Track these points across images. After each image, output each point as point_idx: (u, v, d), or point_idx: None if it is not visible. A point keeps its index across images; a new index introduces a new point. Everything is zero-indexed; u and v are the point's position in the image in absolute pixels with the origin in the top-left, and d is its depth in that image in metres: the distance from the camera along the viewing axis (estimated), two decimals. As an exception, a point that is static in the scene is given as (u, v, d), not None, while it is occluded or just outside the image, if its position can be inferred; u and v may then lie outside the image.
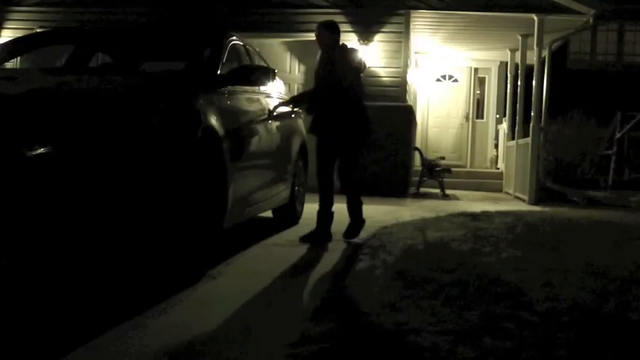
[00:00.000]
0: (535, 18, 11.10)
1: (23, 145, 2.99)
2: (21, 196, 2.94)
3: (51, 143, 3.02)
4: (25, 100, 3.29)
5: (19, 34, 10.64)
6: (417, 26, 11.95)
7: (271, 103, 5.59)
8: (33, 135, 3.04)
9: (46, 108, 3.23)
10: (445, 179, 12.17)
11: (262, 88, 5.31)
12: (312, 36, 11.14)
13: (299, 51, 12.32)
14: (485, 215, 7.79)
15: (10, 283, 3.36)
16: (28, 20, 11.98)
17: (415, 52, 13.53)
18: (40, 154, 2.98)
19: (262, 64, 5.78)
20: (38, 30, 10.66)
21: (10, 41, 5.69)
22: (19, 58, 7.01)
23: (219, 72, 4.57)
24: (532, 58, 11.80)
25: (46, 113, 3.18)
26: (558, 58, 14.84)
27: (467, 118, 15.92)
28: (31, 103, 3.26)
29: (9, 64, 5.41)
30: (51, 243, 3.03)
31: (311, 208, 7.02)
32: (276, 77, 5.29)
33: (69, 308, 3.21)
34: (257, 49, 6.15)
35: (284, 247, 5.22)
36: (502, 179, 13.80)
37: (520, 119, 12.61)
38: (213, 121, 4.03)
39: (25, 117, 3.14)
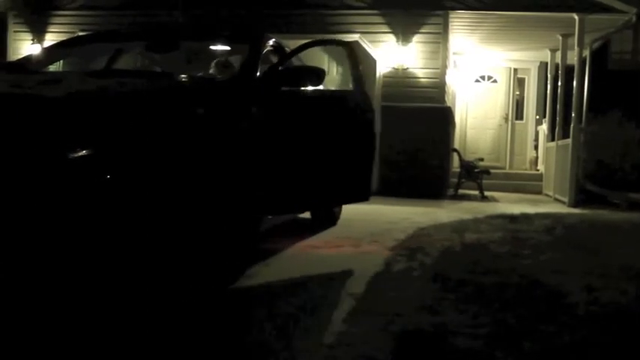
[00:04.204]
0: (576, 17, 10.94)
1: (65, 148, 3.04)
2: (63, 199, 2.99)
3: (92, 146, 3.07)
4: (67, 103, 3.35)
5: (61, 37, 10.84)
6: (455, 27, 11.88)
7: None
8: (74, 138, 3.09)
9: (87, 111, 3.28)
10: (483, 181, 12.08)
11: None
12: (350, 37, 11.29)
13: (336, 52, 12.32)
14: (524, 217, 7.72)
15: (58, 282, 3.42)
16: (69, 24, 12.16)
17: (453, 53, 13.45)
18: (82, 156, 3.03)
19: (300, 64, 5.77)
20: (80, 33, 10.83)
21: (53, 45, 5.80)
22: (61, 61, 7.13)
23: (257, 74, 4.58)
24: (572, 58, 11.65)
25: (87, 116, 3.23)
26: (599, 57, 14.61)
27: (506, 118, 15.78)
28: (73, 106, 3.31)
29: (52, 67, 5.51)
30: (91, 245, 3.08)
31: (348, 209, 7.04)
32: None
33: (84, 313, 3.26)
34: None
35: (321, 248, 5.23)
36: (541, 181, 13.65)
37: (560, 120, 12.46)
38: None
39: (67, 120, 3.19)
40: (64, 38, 9.34)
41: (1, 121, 3.14)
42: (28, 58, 5.63)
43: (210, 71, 5.23)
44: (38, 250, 3.06)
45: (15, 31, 12.60)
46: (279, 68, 4.69)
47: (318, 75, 4.71)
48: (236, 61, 5.38)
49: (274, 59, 5.27)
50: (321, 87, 5.07)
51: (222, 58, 5.38)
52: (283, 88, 4.57)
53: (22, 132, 3.10)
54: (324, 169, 5.16)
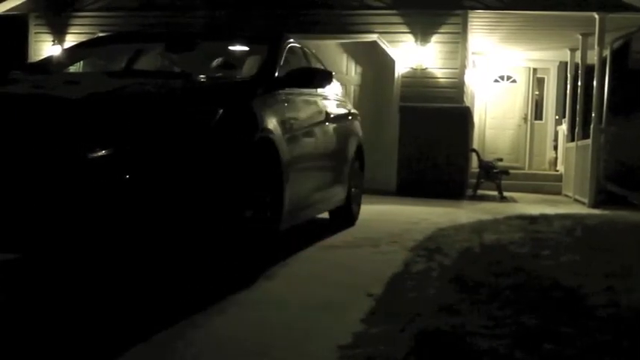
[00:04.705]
0: (596, 16, 10.85)
1: (85, 148, 3.06)
2: (83, 198, 3.01)
3: (112, 146, 3.09)
4: (87, 104, 3.37)
5: (82, 38, 10.93)
6: (474, 26, 11.84)
7: (328, 105, 5.64)
8: (94, 138, 3.12)
9: (107, 111, 3.30)
10: (502, 181, 12.02)
11: (319, 90, 5.36)
12: (368, 37, 11.29)
13: (355, 52, 12.35)
14: (544, 218, 7.66)
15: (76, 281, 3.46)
16: (90, 25, 12.27)
17: (472, 53, 13.40)
18: (101, 156, 3.06)
19: (319, 66, 5.81)
20: (100, 34, 10.90)
21: (73, 46, 5.84)
22: (82, 62, 7.18)
23: (276, 75, 4.60)
24: (592, 57, 11.57)
25: (107, 117, 3.26)
26: (620, 57, 14.49)
27: (525, 119, 15.70)
28: (93, 107, 3.34)
29: (73, 68, 5.55)
30: (108, 244, 3.10)
31: (367, 210, 7.04)
32: (334, 79, 5.36)
33: (126, 307, 3.28)
34: (313, 51, 6.18)
35: (340, 249, 5.23)
36: (561, 181, 13.57)
37: (580, 120, 12.38)
38: (271, 124, 4.07)
39: (87, 120, 3.22)
40: (85, 39, 9.42)
41: (23, 121, 3.18)
42: (49, 59, 5.68)
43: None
44: (58, 253, 3.10)
45: (36, 33, 12.73)
46: (289, 69, 4.77)
47: (327, 76, 4.93)
48: (248, 61, 5.40)
49: (295, 60, 5.31)
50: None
51: (222, 59, 5.41)
52: (295, 89, 4.71)
53: (43, 132, 3.13)
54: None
